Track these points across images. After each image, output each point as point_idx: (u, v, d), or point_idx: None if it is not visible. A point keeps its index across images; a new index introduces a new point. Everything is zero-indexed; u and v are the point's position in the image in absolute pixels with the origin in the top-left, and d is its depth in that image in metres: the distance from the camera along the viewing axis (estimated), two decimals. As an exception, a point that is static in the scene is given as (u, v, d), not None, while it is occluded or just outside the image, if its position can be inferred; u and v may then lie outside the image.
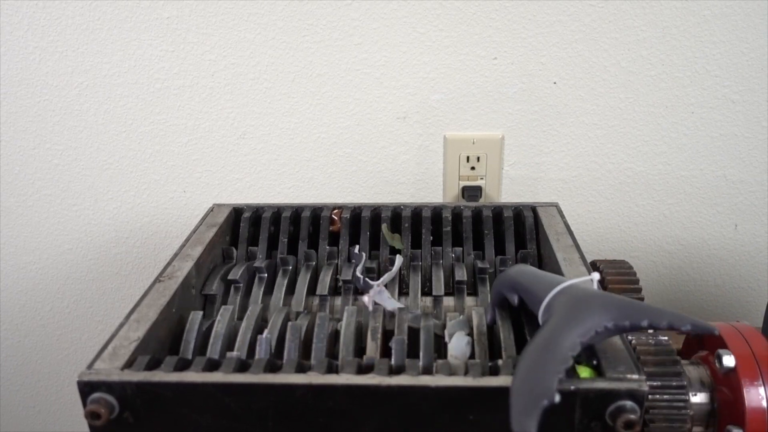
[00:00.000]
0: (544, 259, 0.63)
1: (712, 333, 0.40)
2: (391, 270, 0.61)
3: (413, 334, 0.51)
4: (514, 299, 0.52)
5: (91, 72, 0.83)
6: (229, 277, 0.60)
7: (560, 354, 0.40)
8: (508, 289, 0.52)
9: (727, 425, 0.54)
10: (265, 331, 0.49)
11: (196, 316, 0.51)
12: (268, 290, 0.61)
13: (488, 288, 0.60)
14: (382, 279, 0.60)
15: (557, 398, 0.38)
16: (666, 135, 0.84)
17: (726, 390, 0.54)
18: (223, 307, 0.52)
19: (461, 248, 0.64)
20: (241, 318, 0.53)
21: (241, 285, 0.60)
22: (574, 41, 0.79)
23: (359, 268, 0.61)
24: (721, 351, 0.54)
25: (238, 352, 0.48)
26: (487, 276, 0.61)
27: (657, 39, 0.79)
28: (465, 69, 0.81)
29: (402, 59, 0.81)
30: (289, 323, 0.48)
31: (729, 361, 0.53)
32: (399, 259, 0.63)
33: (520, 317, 0.53)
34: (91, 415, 0.42)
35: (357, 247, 0.64)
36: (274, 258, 0.65)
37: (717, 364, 0.54)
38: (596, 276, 0.47)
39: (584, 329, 0.42)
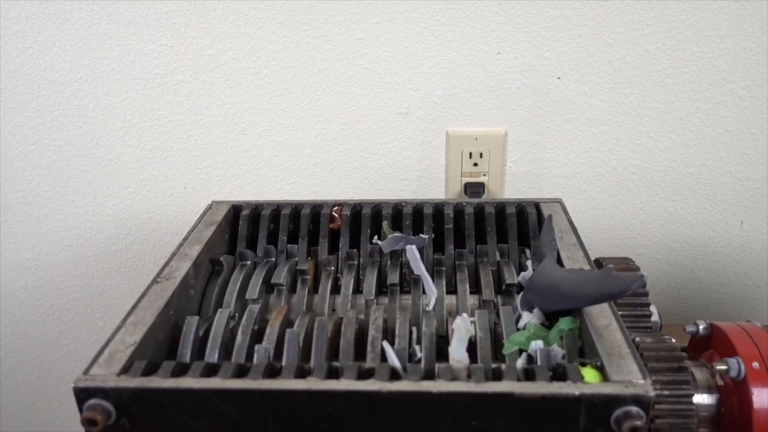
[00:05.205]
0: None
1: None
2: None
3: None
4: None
5: (90, 67, 0.82)
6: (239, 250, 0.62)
7: None
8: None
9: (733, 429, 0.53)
10: (264, 341, 0.48)
11: (191, 320, 0.50)
12: (268, 276, 0.61)
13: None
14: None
15: None
16: (671, 131, 0.83)
17: (733, 392, 0.54)
18: (219, 310, 0.51)
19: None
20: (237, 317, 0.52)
21: (249, 263, 0.61)
22: (579, 36, 0.78)
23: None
24: (728, 359, 0.53)
25: (236, 358, 0.48)
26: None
27: (663, 34, 0.78)
28: (468, 64, 0.80)
29: (404, 54, 0.80)
30: (288, 330, 0.47)
31: (736, 364, 0.53)
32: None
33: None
34: (88, 422, 0.41)
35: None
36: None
37: (724, 367, 0.53)
38: None
39: None
